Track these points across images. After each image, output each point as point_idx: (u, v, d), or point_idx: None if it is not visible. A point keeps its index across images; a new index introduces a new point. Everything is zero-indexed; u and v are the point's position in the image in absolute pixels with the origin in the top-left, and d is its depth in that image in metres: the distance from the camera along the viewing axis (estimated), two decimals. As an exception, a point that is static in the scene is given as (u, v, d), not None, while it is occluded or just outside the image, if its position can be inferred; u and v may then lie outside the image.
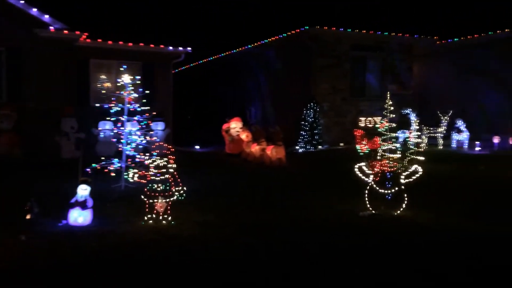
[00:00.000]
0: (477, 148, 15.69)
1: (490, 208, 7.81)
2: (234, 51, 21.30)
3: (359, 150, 7.69)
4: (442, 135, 16.54)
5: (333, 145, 16.61)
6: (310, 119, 15.87)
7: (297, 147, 15.92)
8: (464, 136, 16.38)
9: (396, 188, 7.23)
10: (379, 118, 14.82)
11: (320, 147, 15.90)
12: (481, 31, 17.55)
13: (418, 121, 14.82)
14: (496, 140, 16.06)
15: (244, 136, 14.21)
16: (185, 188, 6.76)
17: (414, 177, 7.36)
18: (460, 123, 16.34)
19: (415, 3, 26.37)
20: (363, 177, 7.46)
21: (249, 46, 19.94)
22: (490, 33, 17.20)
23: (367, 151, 7.71)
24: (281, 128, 13.80)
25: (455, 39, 18.60)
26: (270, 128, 14.13)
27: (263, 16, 27.62)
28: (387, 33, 17.26)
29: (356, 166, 7.53)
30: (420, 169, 7.43)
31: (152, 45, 16.05)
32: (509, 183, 10.05)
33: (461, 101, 18.69)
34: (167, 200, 6.47)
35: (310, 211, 7.56)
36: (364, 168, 7.51)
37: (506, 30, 16.61)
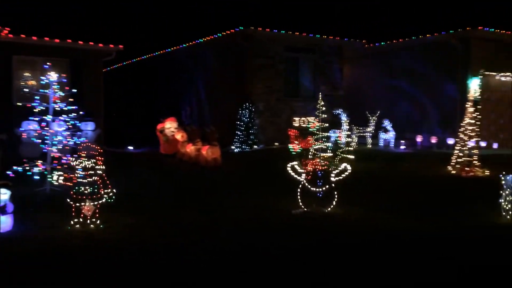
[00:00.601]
0: (402, 147, 16.59)
1: (414, 204, 8.28)
2: (169, 50, 20.95)
3: (291, 150, 7.86)
4: (370, 134, 17.30)
5: (269, 145, 16.83)
6: (246, 119, 15.96)
7: (232, 147, 15.95)
8: (391, 135, 17.25)
9: (327, 186, 7.46)
10: (312, 118, 15.24)
11: (255, 146, 16.04)
12: (407, 36, 18.57)
13: (348, 121, 15.43)
14: (419, 139, 17.08)
15: (179, 136, 14.00)
16: (114, 190, 6.54)
17: (343, 175, 7.64)
18: (387, 123, 17.18)
19: (345, 8, 27.39)
20: (295, 176, 7.62)
21: (184, 45, 19.70)
22: (413, 38, 18.23)
23: (300, 150, 7.90)
24: (217, 128, 13.77)
25: (382, 43, 19.53)
26: (205, 128, 14.05)
27: (198, 15, 27.44)
28: (319, 36, 17.75)
29: (289, 165, 7.68)
30: (349, 167, 7.72)
31: (81, 42, 15.36)
32: (431, 180, 10.70)
33: (387, 102, 19.67)
34: (95, 203, 6.22)
35: (246, 210, 7.60)
36: (297, 167, 7.68)
37: (428, 35, 17.68)
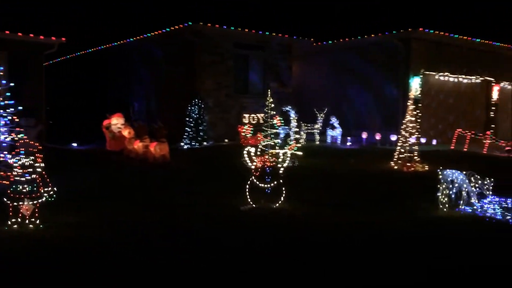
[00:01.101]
0: (348, 143, 17.07)
1: (359, 199, 8.54)
2: (115, 43, 20.34)
3: (241, 145, 7.85)
4: (318, 131, 17.67)
5: (218, 141, 16.77)
6: (195, 115, 15.81)
7: (182, 144, 15.75)
8: (338, 132, 17.69)
9: (275, 182, 7.54)
10: (262, 114, 15.35)
11: (205, 143, 15.93)
12: (352, 35, 19.08)
13: (297, 118, 15.67)
14: (364, 135, 17.64)
15: (126, 132, 13.65)
16: (55, 189, 6.28)
17: (292, 171, 7.75)
18: (334, 120, 17.61)
19: (294, 6, 27.73)
20: (248, 162, 7.62)
21: (131, 39, 19.20)
22: (359, 37, 18.77)
23: (250, 146, 7.93)
24: (166, 124, 13.53)
25: (329, 42, 19.97)
26: (153, 124, 13.79)
27: (145, 9, 26.77)
28: (268, 33, 17.88)
29: (245, 150, 7.67)
30: (297, 163, 7.85)
31: (20, 34, 14.59)
32: (375, 175, 11.08)
33: (335, 99, 20.18)
34: (34, 202, 5.95)
35: (195, 207, 7.54)
36: (246, 163, 7.69)
37: (372, 35, 18.27)
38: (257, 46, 18.40)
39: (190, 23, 16.04)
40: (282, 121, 8.53)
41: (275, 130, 9.11)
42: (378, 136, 17.17)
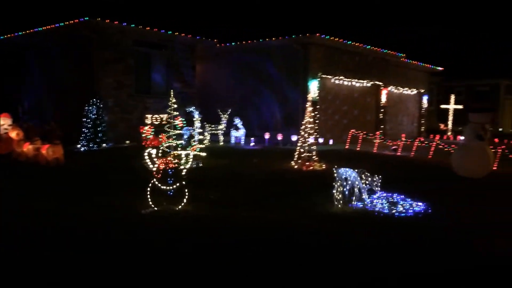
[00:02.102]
0: (252, 144, 17.44)
1: (262, 197, 8.75)
2: (2, 37, 18.60)
3: (142, 147, 7.63)
4: (222, 132, 17.81)
5: (119, 143, 16.13)
6: (93, 116, 15.01)
7: (78, 146, 14.88)
8: (241, 133, 18.00)
9: (178, 184, 7.44)
10: (165, 115, 15.07)
11: (104, 145, 15.21)
12: (255, 38, 19.55)
13: (200, 118, 15.64)
14: (267, 136, 18.16)
15: (14, 134, 12.54)
16: None
17: (195, 172, 7.70)
18: (238, 121, 17.88)
19: (198, 6, 27.66)
20: (150, 164, 7.42)
21: (19, 33, 17.69)
22: (260, 40, 19.27)
23: (152, 148, 7.73)
24: (62, 125, 12.70)
25: (233, 43, 20.24)
26: (46, 125, 12.84)
27: (39, 0, 24.86)
28: (170, 32, 17.60)
29: (146, 151, 7.45)
30: (201, 164, 7.82)
31: None
32: (276, 174, 11.44)
33: (239, 100, 20.51)
34: None
35: (92, 212, 7.16)
36: (147, 165, 7.50)
37: (273, 38, 18.86)
38: (160, 45, 18.03)
39: (86, 18, 15.21)
40: (184, 122, 8.45)
41: (178, 131, 9.00)
42: (280, 137, 17.78)
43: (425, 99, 27.95)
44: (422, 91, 27.63)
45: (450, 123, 28.34)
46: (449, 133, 27.59)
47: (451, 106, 28.25)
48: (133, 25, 16.49)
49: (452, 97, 28.68)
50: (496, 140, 23.11)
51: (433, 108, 35.21)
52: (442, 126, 31.97)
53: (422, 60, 26.06)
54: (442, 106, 30.81)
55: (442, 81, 37.36)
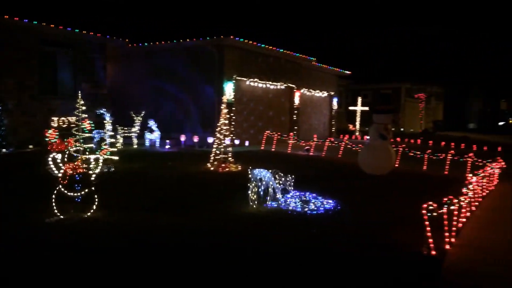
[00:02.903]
0: (167, 146, 17.12)
1: (177, 201, 8.61)
2: None
3: (46, 152, 7.14)
4: (136, 134, 17.26)
5: (21, 148, 14.97)
6: (-9, 119, 13.79)
7: (-26, 152, 13.59)
8: (156, 135, 17.58)
9: (87, 190, 7.08)
10: (73, 118, 14.24)
11: (4, 150, 14.02)
12: (169, 39, 19.22)
13: (112, 121, 15.02)
14: (183, 138, 17.93)
15: None
16: None
17: (105, 177, 7.37)
18: (152, 123, 17.44)
19: (108, 4, 26.60)
20: (55, 170, 6.97)
21: None
22: (175, 41, 19.00)
23: (57, 153, 7.27)
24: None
25: (146, 44, 19.73)
26: None
27: None
28: (78, 30, 16.71)
29: (50, 156, 6.98)
30: (110, 169, 7.51)
31: None
32: (192, 177, 11.33)
33: (153, 102, 20.03)
34: None
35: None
36: (52, 170, 7.05)
37: (188, 40, 18.70)
38: (67, 44, 17.05)
39: (-18, 13, 13.95)
40: (93, 125, 8.05)
41: (86, 134, 8.56)
42: (196, 139, 17.64)
43: (335, 101, 29.36)
44: (332, 93, 29.00)
45: (358, 124, 30.07)
46: (357, 133, 29.25)
47: (359, 108, 29.98)
48: (36, 22, 15.41)
49: (359, 100, 30.46)
50: (398, 139, 24.94)
51: (342, 110, 37.14)
52: (351, 126, 33.84)
53: (332, 64, 27.40)
54: (351, 108, 32.63)
55: (350, 84, 39.55)
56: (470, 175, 8.66)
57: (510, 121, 63.31)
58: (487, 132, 42.77)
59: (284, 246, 5.98)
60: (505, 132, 45.88)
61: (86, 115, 8.67)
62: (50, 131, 7.27)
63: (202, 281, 4.80)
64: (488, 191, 10.25)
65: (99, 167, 7.50)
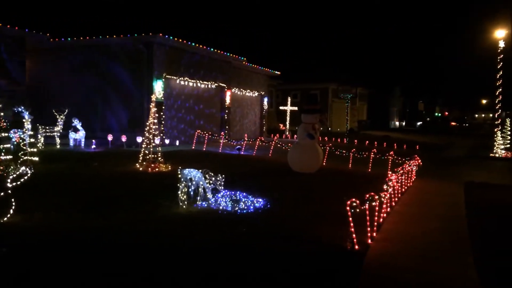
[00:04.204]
0: (93, 146, 16.42)
1: (102, 202, 8.29)
2: None
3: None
4: (59, 134, 16.38)
5: None
6: None
7: None
8: (81, 134, 16.79)
9: (2, 194, 6.62)
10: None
11: None
12: (94, 34, 18.45)
13: (31, 119, 14.14)
14: (110, 137, 17.28)
15: None
16: None
17: (23, 180, 6.93)
18: (77, 122, 16.63)
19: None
20: None
21: None
22: (100, 37, 18.27)
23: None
24: None
25: (69, 39, 18.79)
26: None
27: None
28: (-7, 22, 15.59)
29: None
30: (30, 170, 7.06)
31: None
32: (119, 178, 10.98)
33: (78, 100, 19.12)
34: None
35: None
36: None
37: (115, 36, 18.07)
38: (-21, 36, 15.80)
39: None
40: (8, 124, 7.55)
41: (2, 134, 8.00)
42: (124, 138, 17.08)
43: (265, 101, 29.81)
44: (263, 93, 29.42)
45: (288, 123, 30.74)
46: (287, 133, 29.90)
47: (288, 108, 30.67)
48: None
49: (289, 100, 31.17)
50: (326, 138, 25.85)
51: (273, 109, 37.78)
52: (281, 126, 34.52)
53: (262, 64, 27.77)
54: (281, 108, 33.28)
55: (280, 84, 40.33)
56: (390, 172, 9.19)
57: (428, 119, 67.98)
58: (406, 131, 45.65)
59: (212, 243, 5.98)
60: (422, 131, 49.30)
61: (1, 113, 8.12)
62: (-41, 131, 6.71)
63: (130, 280, 4.68)
64: (406, 187, 10.93)
65: (16, 169, 7.03)
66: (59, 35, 18.76)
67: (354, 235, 6.06)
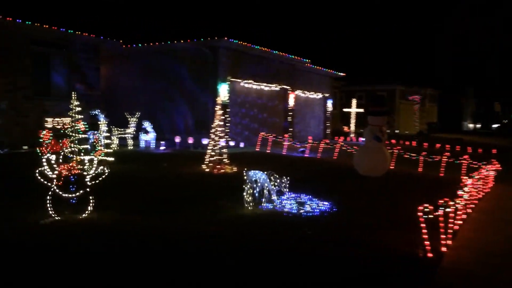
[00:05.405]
0: (162, 147, 17.05)
1: (171, 203, 8.55)
2: None
3: (40, 153, 7.07)
4: (131, 136, 17.18)
5: (15, 149, 14.86)
6: (-16, 120, 13.67)
7: (-33, 153, 13.48)
8: (151, 136, 17.52)
9: (82, 191, 7.02)
10: (67, 119, 14.14)
11: (-2, 151, 13.92)
12: (163, 40, 19.17)
13: (107, 122, 14.95)
14: (178, 139, 17.86)
15: None
16: None
17: (100, 178, 7.31)
18: (147, 124, 17.37)
19: (102, 6, 26.52)
20: (45, 182, 6.92)
21: None
22: (169, 42, 18.94)
23: (51, 154, 7.19)
24: None
25: (140, 45, 19.65)
26: None
27: None
28: (71, 31, 16.60)
29: (37, 170, 6.93)
30: (107, 169, 7.44)
31: None
32: (187, 179, 11.28)
33: (148, 103, 19.96)
34: None
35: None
36: (47, 171, 6.98)
37: (182, 41, 18.65)
38: (60, 45, 16.94)
39: (-26, 13, 13.84)
40: (87, 126, 7.99)
41: (81, 135, 8.50)
42: (191, 140, 17.58)
43: (329, 103, 29.41)
44: (327, 95, 29.05)
45: (352, 125, 30.12)
46: (352, 135, 29.29)
47: (353, 110, 30.04)
48: (29, 23, 15.30)
49: (354, 101, 30.53)
50: (393, 141, 25.01)
51: (337, 111, 37.20)
52: (345, 128, 33.88)
53: (326, 65, 27.45)
54: (345, 110, 32.68)
55: (344, 86, 39.64)
56: (466, 177, 8.69)
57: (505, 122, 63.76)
58: (481, 134, 43.03)
59: (278, 246, 5.95)
60: (500, 134, 46.20)
61: (81, 116, 8.63)
62: (44, 132, 7.21)
63: (197, 283, 4.76)
64: (483, 193, 10.29)
65: (94, 168, 7.43)
66: (130, 41, 19.68)
67: (427, 242, 5.78)
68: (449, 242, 6.29)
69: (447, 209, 6.26)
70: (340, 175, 12.96)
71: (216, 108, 12.71)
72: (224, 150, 12.79)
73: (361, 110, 29.76)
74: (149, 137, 17.53)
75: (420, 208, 5.88)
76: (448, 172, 13.58)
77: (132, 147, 16.95)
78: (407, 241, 6.27)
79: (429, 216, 5.86)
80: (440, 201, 6.22)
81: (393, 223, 7.49)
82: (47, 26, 15.78)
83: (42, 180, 6.91)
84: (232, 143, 18.57)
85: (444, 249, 6.02)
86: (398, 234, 6.72)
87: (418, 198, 8.11)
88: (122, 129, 16.93)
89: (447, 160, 14.03)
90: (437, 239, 6.03)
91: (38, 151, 7.10)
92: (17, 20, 14.94)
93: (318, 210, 8.12)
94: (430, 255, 5.73)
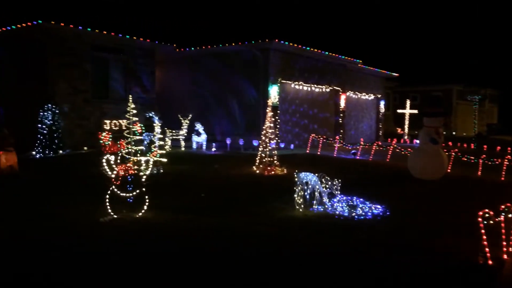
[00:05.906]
0: (214, 149, 17.35)
1: (223, 203, 8.70)
2: None
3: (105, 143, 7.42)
4: (183, 137, 17.62)
5: (76, 149, 15.65)
6: (48, 122, 14.50)
7: (33, 153, 14.34)
8: (203, 138, 17.87)
9: (138, 191, 7.30)
10: (125, 121, 14.71)
11: (61, 151, 14.71)
12: (214, 43, 19.53)
13: (161, 124, 15.42)
14: (228, 141, 18.11)
15: (-38, 141, 11.91)
16: None
17: (155, 178, 7.56)
18: (199, 126, 17.74)
19: (156, 11, 27.38)
20: (108, 171, 7.23)
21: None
22: (220, 45, 19.26)
23: (111, 154, 7.54)
24: (15, 131, 12.14)
25: (192, 48, 20.12)
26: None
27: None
28: (128, 37, 17.29)
29: (105, 158, 7.24)
30: (161, 170, 7.69)
31: None
32: (238, 180, 11.43)
33: (200, 106, 20.38)
34: None
35: (50, 221, 6.90)
36: (112, 162, 7.26)
37: (233, 44, 18.90)
38: (117, 50, 17.67)
39: (40, 21, 14.71)
40: (143, 128, 8.30)
41: (137, 137, 8.85)
42: (241, 142, 17.77)
43: (382, 104, 28.74)
44: (379, 96, 28.41)
45: (406, 127, 29.26)
46: (405, 137, 28.45)
47: (407, 111, 29.18)
48: (90, 29, 16.09)
49: (408, 102, 29.65)
50: (450, 143, 24.05)
51: (389, 112, 36.28)
52: (399, 130, 32.96)
53: (378, 66, 26.84)
54: (399, 111, 31.79)
55: (398, 86, 38.59)
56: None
57: None
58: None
59: (331, 250, 5.90)
60: None
61: (137, 119, 8.98)
62: (103, 134, 7.56)
63: (249, 284, 4.82)
64: (549, 199, 9.67)
65: (149, 169, 7.70)
66: (183, 45, 20.19)
67: (487, 249, 5.52)
68: (511, 249, 5.98)
69: (510, 215, 5.94)
70: (394, 178, 12.63)
71: (266, 110, 12.78)
72: (275, 152, 12.82)
73: (415, 111, 28.85)
74: (200, 139, 17.89)
75: (480, 213, 5.63)
76: (510, 176, 12.88)
77: (184, 149, 17.37)
78: (466, 248, 6.02)
79: (490, 221, 5.60)
80: (501, 206, 5.92)
81: (450, 228, 7.22)
82: (106, 32, 16.51)
83: (107, 168, 7.21)
84: (282, 145, 18.59)
85: (505, 256, 5.73)
86: (456, 240, 6.47)
87: (477, 202, 7.77)
88: (175, 131, 17.39)
89: (508, 163, 13.31)
90: (498, 246, 5.75)
91: (99, 151, 7.45)
92: (79, 28, 15.74)
93: (370, 214, 7.97)
94: (490, 262, 5.48)
